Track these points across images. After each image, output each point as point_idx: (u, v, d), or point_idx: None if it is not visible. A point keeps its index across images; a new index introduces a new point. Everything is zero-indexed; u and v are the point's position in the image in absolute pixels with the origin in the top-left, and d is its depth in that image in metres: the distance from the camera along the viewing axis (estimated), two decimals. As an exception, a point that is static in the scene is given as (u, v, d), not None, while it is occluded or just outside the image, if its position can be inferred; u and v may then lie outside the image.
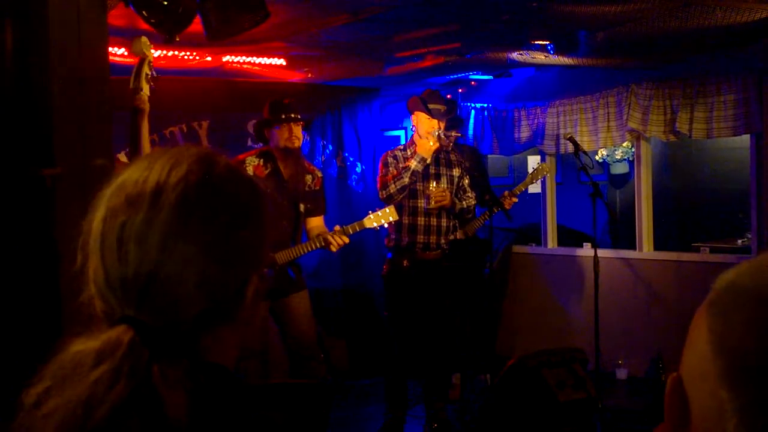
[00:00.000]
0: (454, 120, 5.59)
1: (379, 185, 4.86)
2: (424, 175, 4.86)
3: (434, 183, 4.87)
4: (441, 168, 4.98)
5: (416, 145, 4.89)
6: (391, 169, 4.84)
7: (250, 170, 4.49)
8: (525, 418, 4.23)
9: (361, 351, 6.39)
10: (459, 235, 5.30)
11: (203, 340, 0.97)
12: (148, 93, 3.21)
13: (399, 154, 4.91)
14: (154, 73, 3.23)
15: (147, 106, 3.21)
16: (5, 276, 2.44)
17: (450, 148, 5.07)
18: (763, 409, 0.68)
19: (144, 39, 3.16)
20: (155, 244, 0.94)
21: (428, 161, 4.83)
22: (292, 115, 4.58)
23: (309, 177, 4.76)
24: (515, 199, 5.47)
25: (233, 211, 0.99)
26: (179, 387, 0.89)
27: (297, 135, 4.61)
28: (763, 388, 0.68)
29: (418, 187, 4.87)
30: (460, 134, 5.29)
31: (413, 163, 4.76)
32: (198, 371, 0.92)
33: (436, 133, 4.81)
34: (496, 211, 5.41)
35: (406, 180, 4.75)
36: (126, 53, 4.50)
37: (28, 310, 2.43)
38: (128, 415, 0.87)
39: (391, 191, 4.76)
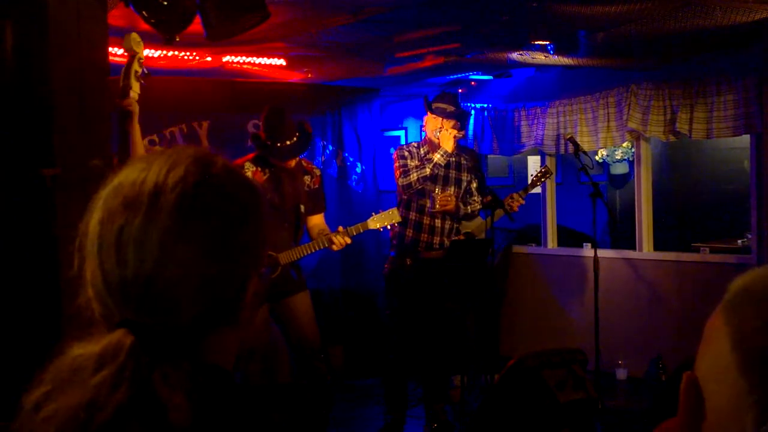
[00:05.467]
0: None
1: (397, 174, 4.89)
2: (434, 177, 4.87)
3: (439, 188, 4.89)
4: (451, 171, 5.00)
5: (430, 143, 4.92)
6: (407, 161, 4.87)
7: (248, 175, 4.44)
8: (525, 419, 4.22)
9: (360, 351, 6.38)
10: (464, 236, 5.30)
11: (203, 341, 0.97)
12: (138, 91, 3.04)
13: (413, 150, 4.94)
14: (145, 70, 3.05)
15: (136, 108, 3.00)
16: (5, 276, 2.44)
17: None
18: None
19: (134, 35, 3.00)
20: (154, 246, 0.93)
21: (452, 156, 4.87)
22: (280, 155, 4.46)
23: (308, 177, 4.74)
24: (522, 201, 5.35)
25: (232, 212, 0.99)
26: (181, 390, 0.88)
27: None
28: None
29: (428, 187, 4.89)
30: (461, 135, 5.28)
31: (437, 156, 4.82)
32: (199, 373, 0.92)
33: (439, 133, 4.84)
34: (501, 214, 5.38)
35: (428, 171, 4.80)
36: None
37: (29, 311, 2.43)
38: (130, 419, 0.86)
39: (412, 180, 4.81)
